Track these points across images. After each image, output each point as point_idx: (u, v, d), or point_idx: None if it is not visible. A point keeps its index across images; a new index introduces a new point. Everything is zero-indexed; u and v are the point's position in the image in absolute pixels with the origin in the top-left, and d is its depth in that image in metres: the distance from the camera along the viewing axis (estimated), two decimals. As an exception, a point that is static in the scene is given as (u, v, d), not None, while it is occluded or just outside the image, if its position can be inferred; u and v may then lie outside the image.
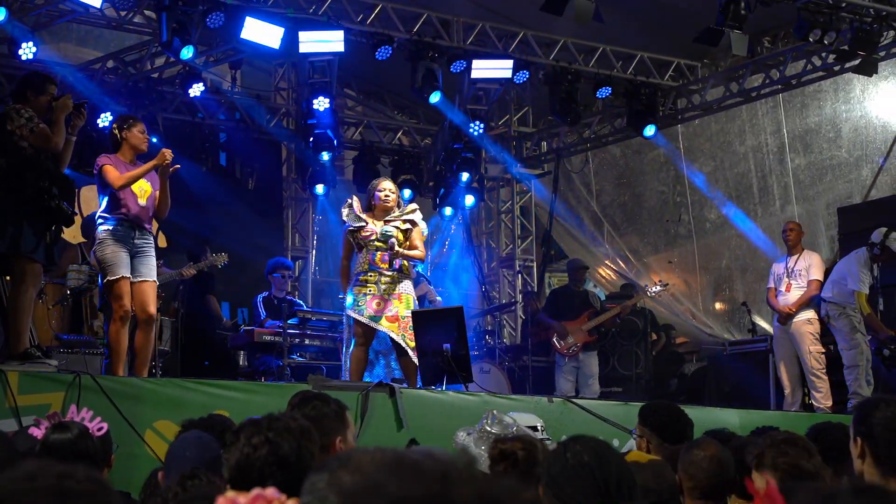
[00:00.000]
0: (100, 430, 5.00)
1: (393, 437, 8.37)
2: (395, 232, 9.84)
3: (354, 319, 9.70)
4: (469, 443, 5.47)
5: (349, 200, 10.07)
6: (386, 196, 9.94)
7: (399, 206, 10.05)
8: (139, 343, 8.97)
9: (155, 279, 9.05)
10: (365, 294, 9.70)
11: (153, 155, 9.09)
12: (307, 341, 12.82)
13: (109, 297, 8.94)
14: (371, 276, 9.75)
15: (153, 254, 9.06)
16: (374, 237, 9.79)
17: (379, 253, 9.79)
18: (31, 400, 7.58)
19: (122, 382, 8.27)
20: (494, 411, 5.68)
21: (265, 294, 13.36)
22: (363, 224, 9.83)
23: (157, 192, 9.10)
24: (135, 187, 8.90)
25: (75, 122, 8.49)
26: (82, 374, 7.89)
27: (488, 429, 5.61)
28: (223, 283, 14.24)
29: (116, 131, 9.11)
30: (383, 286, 9.75)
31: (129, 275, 8.79)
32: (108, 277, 8.78)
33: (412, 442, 7.77)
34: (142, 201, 8.98)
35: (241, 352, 12.91)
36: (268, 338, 12.56)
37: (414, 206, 10.22)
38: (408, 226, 9.92)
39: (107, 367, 10.35)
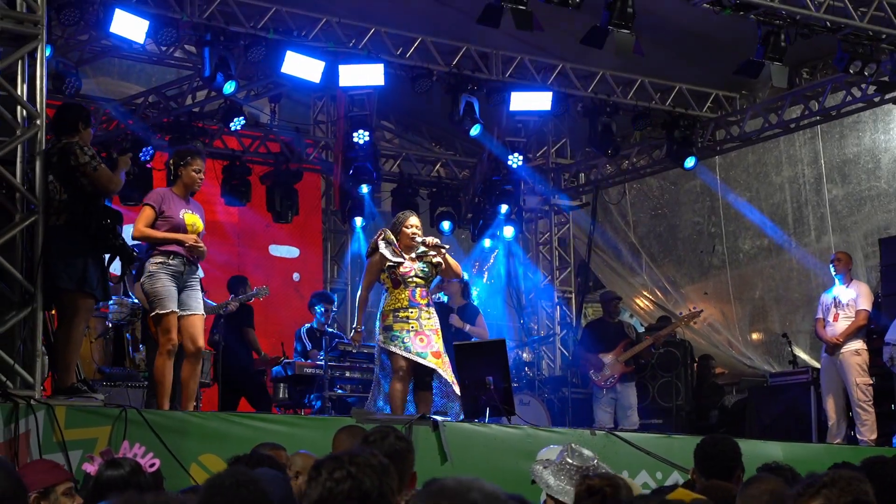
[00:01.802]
0: (152, 465, 5.03)
1: (437, 471, 8.33)
2: (430, 269, 9.89)
3: (396, 354, 9.69)
4: (548, 476, 5.48)
5: (384, 233, 10.04)
6: (413, 234, 9.97)
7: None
8: (186, 376, 9.02)
9: (203, 313, 9.12)
10: (408, 331, 9.70)
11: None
12: (348, 374, 12.83)
13: (157, 329, 9.00)
14: (412, 312, 9.77)
15: (200, 287, 9.13)
16: (413, 273, 9.82)
17: (419, 290, 9.82)
18: (79, 434, 7.62)
19: (168, 416, 8.30)
20: (573, 444, 5.69)
21: (308, 326, 13.38)
22: (401, 261, 9.84)
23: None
24: (187, 223, 8.97)
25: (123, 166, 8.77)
26: (128, 408, 7.93)
27: (570, 461, 5.61)
28: (262, 315, 14.27)
29: (172, 166, 9.17)
30: (423, 321, 9.77)
31: (177, 309, 8.85)
32: (158, 311, 8.84)
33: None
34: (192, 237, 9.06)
35: (283, 384, 12.92)
36: (309, 371, 12.58)
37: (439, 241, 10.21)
38: (439, 260, 9.95)
39: (147, 400, 10.43)
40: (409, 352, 9.63)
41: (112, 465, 4.87)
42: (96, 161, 8.32)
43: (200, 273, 9.48)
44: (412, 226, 10.01)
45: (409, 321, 9.73)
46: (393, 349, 9.69)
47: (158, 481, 5.26)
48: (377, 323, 9.96)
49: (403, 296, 9.81)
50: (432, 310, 9.96)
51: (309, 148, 16.27)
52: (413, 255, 9.91)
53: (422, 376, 9.79)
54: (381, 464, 3.50)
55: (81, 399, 8.06)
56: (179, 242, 8.88)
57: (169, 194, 9.03)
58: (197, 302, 9.02)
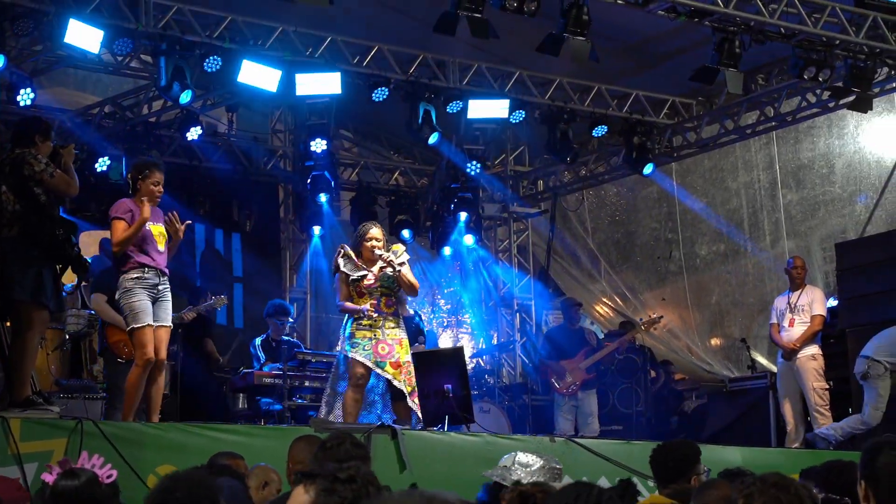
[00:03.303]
0: (109, 477, 4.98)
1: (396, 479, 8.33)
2: (395, 279, 9.91)
3: (354, 360, 9.70)
4: (530, 481, 5.53)
5: (342, 250, 10.10)
6: (373, 246, 10.00)
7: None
8: (149, 387, 9.00)
9: (170, 324, 9.14)
10: (370, 339, 9.74)
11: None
12: (307, 383, 12.78)
13: (132, 343, 9.03)
14: (376, 321, 9.79)
15: (170, 298, 9.14)
16: (377, 284, 9.84)
17: (384, 298, 9.86)
18: (34, 447, 7.57)
19: (124, 428, 8.27)
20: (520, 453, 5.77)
21: (263, 336, 13.32)
22: (365, 273, 9.87)
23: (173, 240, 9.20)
24: (154, 234, 8.98)
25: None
26: (84, 420, 7.88)
27: (555, 465, 5.72)
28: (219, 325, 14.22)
29: (131, 179, 9.18)
30: (387, 331, 9.80)
31: (153, 322, 8.86)
32: (133, 325, 8.84)
33: (413, 487, 7.73)
34: (161, 247, 9.10)
35: (241, 395, 12.86)
36: (268, 380, 12.53)
37: (401, 247, 10.25)
38: (400, 269, 9.97)
39: (106, 411, 10.38)
40: (369, 360, 9.65)
41: (68, 475, 4.83)
42: (51, 168, 8.27)
43: None
44: (372, 237, 10.05)
45: (373, 329, 9.77)
46: (353, 355, 9.70)
47: (115, 493, 5.22)
48: (341, 332, 9.98)
49: (368, 305, 9.84)
50: (399, 320, 10.00)
51: (267, 157, 16.22)
52: (377, 266, 9.94)
53: (397, 389, 9.80)
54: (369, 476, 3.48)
55: (37, 411, 8.00)
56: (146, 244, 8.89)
57: (133, 205, 9.05)
58: (166, 314, 9.06)
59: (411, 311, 13.83)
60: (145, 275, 8.91)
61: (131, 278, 8.89)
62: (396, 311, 10.01)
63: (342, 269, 9.96)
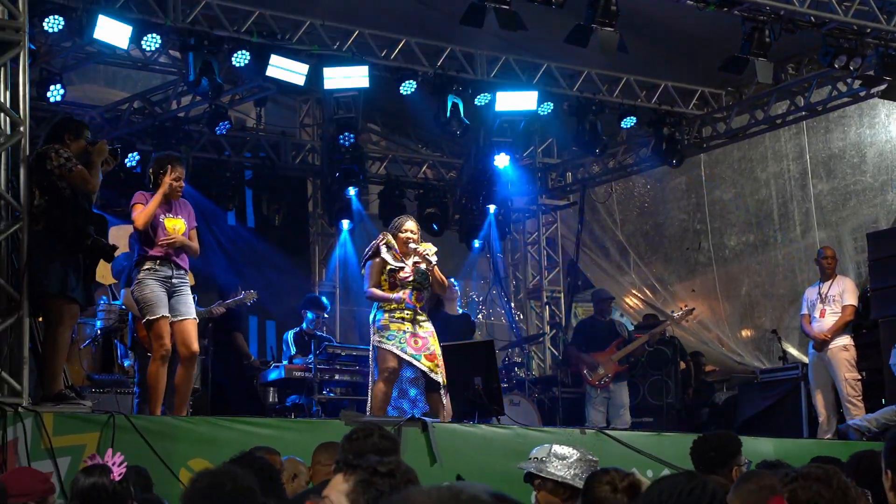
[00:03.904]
0: (120, 475, 5.05)
1: (427, 472, 8.33)
2: (427, 275, 9.91)
3: (389, 353, 9.67)
4: (568, 476, 5.51)
5: (384, 237, 10.04)
6: (408, 239, 9.98)
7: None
8: (180, 380, 9.03)
9: (195, 317, 9.12)
10: (404, 331, 9.71)
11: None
12: (337, 376, 12.81)
13: (149, 336, 9.00)
14: (408, 314, 9.78)
15: (189, 291, 9.11)
16: (411, 278, 9.83)
17: (416, 293, 9.83)
18: (67, 441, 7.62)
19: (156, 421, 8.31)
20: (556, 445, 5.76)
21: (297, 330, 13.35)
22: (402, 266, 9.86)
23: (190, 231, 9.17)
24: (168, 227, 8.95)
25: (106, 166, 8.60)
26: (116, 415, 7.91)
27: (591, 458, 5.70)
28: (251, 319, 14.26)
29: (152, 174, 9.16)
30: (419, 325, 9.78)
31: (168, 314, 8.84)
32: (148, 317, 8.84)
33: (458, 479, 7.71)
34: None
35: (272, 388, 12.89)
36: (298, 374, 12.55)
37: (430, 246, 10.22)
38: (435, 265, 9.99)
39: (138, 405, 10.41)
40: (405, 352, 9.63)
41: (84, 472, 4.98)
42: (72, 163, 8.28)
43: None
44: (407, 230, 10.03)
45: (405, 322, 9.74)
46: (388, 347, 9.67)
47: (126, 491, 5.24)
48: (372, 324, 9.95)
49: (401, 297, 9.83)
50: (425, 315, 9.99)
51: (295, 151, 16.26)
52: (412, 260, 9.93)
53: (432, 381, 9.79)
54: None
55: (69, 406, 8.04)
56: (158, 236, 8.90)
57: (149, 198, 9.04)
58: (188, 307, 9.01)
59: (459, 311, 13.87)
60: (157, 266, 8.88)
61: (143, 269, 8.88)
62: (425, 306, 10.00)
63: (383, 255, 9.91)
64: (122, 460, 5.16)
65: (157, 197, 8.94)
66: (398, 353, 9.63)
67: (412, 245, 9.94)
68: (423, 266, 9.87)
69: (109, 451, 5.34)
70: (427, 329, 9.83)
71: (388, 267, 9.84)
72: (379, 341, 9.75)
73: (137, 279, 8.89)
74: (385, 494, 3.22)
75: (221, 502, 3.92)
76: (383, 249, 9.92)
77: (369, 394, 9.99)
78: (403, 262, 9.88)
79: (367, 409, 9.92)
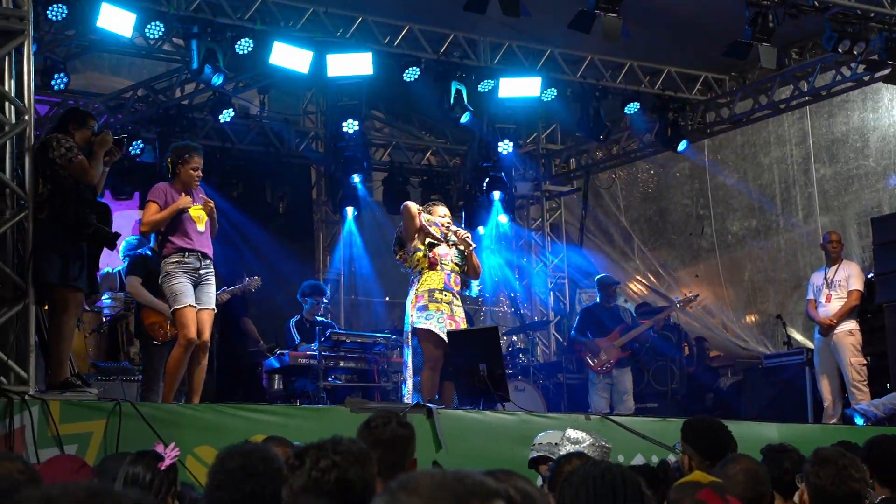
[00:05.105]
0: (172, 460, 5.01)
1: (432, 458, 8.36)
2: (462, 258, 9.98)
3: (429, 333, 9.72)
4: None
5: (422, 210, 10.11)
6: (446, 223, 10.06)
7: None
8: (191, 369, 9.09)
9: (214, 307, 9.20)
10: (442, 312, 9.79)
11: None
12: (342, 363, 12.84)
13: (176, 325, 9.10)
14: (446, 296, 9.85)
15: (213, 282, 9.20)
16: (448, 258, 9.89)
17: (453, 276, 9.90)
18: (73, 428, 7.64)
19: (162, 409, 8.34)
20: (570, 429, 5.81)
21: (298, 317, 13.37)
22: (438, 243, 9.93)
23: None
24: (193, 216, 9.02)
25: (111, 156, 8.63)
26: (122, 402, 7.94)
27: (604, 444, 5.74)
28: (255, 306, 14.27)
29: (171, 163, 9.21)
30: (455, 308, 9.88)
31: (194, 303, 8.92)
32: (175, 307, 8.92)
33: (434, 464, 7.73)
34: (200, 227, 9.14)
35: (277, 375, 12.93)
36: (303, 361, 12.58)
37: (466, 232, 10.31)
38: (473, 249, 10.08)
39: (142, 393, 10.46)
40: (443, 332, 9.72)
41: (132, 460, 4.88)
42: (72, 153, 8.30)
43: None
44: (445, 215, 10.12)
45: (442, 304, 9.81)
46: (429, 326, 9.73)
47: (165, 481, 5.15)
48: (408, 307, 9.99)
49: (438, 277, 9.90)
50: (459, 301, 10.06)
51: (299, 138, 16.27)
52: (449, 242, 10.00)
53: (445, 367, 9.85)
54: (363, 452, 3.50)
55: (75, 393, 8.07)
56: (185, 227, 8.94)
57: (170, 189, 9.14)
58: (209, 297, 9.13)
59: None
60: (185, 258, 8.98)
61: (172, 262, 8.99)
62: (462, 290, 10.08)
63: (425, 220, 9.97)
64: (176, 454, 5.06)
65: (171, 210, 9.01)
66: (437, 332, 9.69)
67: (452, 227, 10.02)
68: (461, 248, 9.96)
69: (172, 444, 5.22)
70: (461, 315, 9.94)
71: (428, 240, 9.92)
72: (418, 321, 9.80)
73: (166, 272, 8.99)
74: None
75: (253, 485, 3.91)
76: (426, 217, 10.00)
77: (407, 382, 10.05)
78: (440, 240, 9.96)
79: (406, 395, 9.98)
